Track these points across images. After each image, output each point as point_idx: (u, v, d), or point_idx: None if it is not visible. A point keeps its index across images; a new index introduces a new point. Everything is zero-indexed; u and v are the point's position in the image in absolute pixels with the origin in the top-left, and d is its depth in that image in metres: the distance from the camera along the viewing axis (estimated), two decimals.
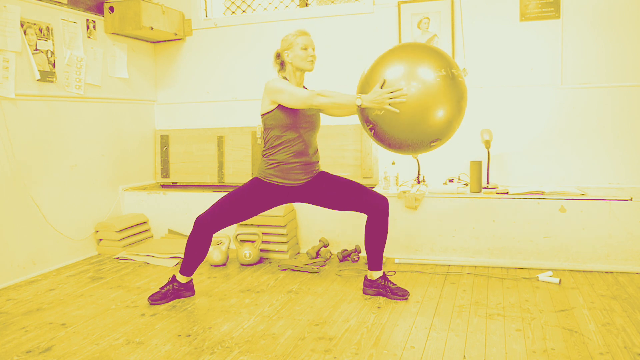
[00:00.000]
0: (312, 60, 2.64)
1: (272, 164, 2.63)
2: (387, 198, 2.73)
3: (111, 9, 3.84)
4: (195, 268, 2.75)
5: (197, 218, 2.64)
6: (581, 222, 3.08)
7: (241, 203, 2.66)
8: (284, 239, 3.52)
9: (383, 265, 3.23)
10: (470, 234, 3.27)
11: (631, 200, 3.02)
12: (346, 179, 2.75)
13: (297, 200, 2.74)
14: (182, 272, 2.74)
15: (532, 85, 3.61)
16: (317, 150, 2.76)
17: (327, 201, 2.72)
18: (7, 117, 3.13)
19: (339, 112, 2.75)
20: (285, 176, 2.64)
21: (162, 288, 2.76)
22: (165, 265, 3.44)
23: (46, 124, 3.41)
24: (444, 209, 3.31)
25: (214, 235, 3.47)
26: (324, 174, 2.75)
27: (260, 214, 3.46)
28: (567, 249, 3.11)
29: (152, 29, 3.91)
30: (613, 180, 3.51)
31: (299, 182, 2.67)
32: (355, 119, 3.97)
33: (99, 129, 3.85)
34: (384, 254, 3.38)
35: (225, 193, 2.85)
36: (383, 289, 2.71)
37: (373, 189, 3.59)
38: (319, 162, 2.78)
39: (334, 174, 3.95)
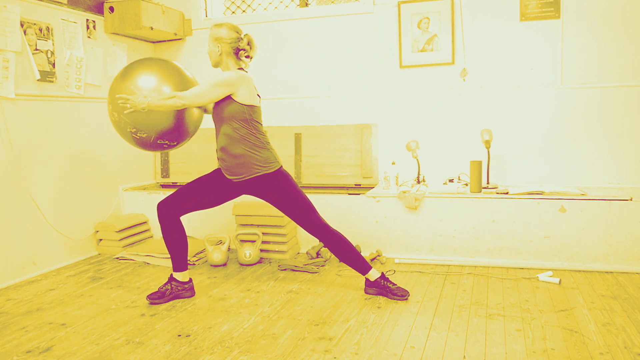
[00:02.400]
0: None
1: None
2: (322, 224, 2.70)
3: (111, 9, 3.84)
4: (185, 260, 2.76)
5: (158, 203, 2.72)
6: (581, 222, 3.08)
7: (199, 187, 2.74)
8: (284, 239, 3.51)
9: (382, 266, 3.24)
10: (470, 234, 3.27)
11: (631, 200, 3.02)
12: (294, 195, 2.68)
13: (254, 195, 2.73)
14: (174, 268, 2.76)
15: (532, 85, 3.61)
16: (224, 148, 2.64)
17: (275, 205, 2.73)
18: (7, 117, 3.13)
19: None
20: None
21: (161, 287, 2.76)
22: (165, 265, 3.44)
23: (46, 124, 3.41)
24: (444, 209, 3.31)
25: (214, 236, 3.50)
26: (278, 179, 2.67)
27: (261, 214, 3.49)
28: (567, 249, 3.11)
29: (152, 29, 3.91)
30: (613, 180, 3.51)
31: (229, 177, 2.68)
32: (356, 119, 3.98)
33: (99, 129, 3.85)
34: (384, 254, 3.41)
35: None
36: (383, 288, 2.71)
37: (372, 189, 3.62)
38: (232, 162, 2.64)
39: (334, 174, 3.99)
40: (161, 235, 4.02)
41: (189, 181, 2.83)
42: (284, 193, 2.68)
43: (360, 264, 2.73)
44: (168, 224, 2.70)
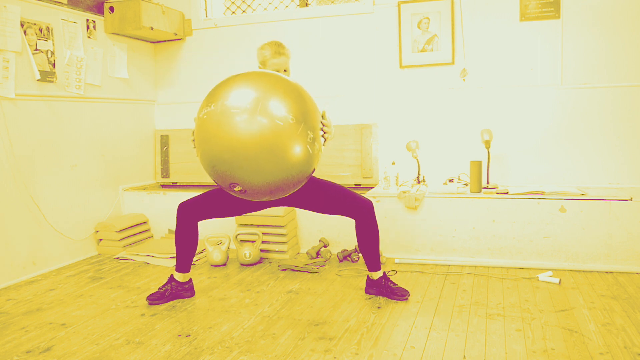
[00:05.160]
0: None
1: None
2: (372, 200, 2.69)
3: (111, 9, 3.84)
4: (189, 263, 2.74)
5: (180, 204, 2.68)
6: (581, 222, 3.08)
7: (225, 196, 2.66)
8: (284, 239, 3.51)
9: (382, 266, 3.24)
10: (470, 234, 3.27)
11: (631, 200, 3.02)
12: (330, 183, 2.69)
13: (282, 204, 2.68)
14: (177, 269, 2.75)
15: (532, 85, 3.61)
16: None
17: (313, 207, 2.68)
18: (7, 117, 3.13)
19: None
20: None
21: (160, 288, 2.76)
22: (165, 265, 3.44)
23: (46, 124, 3.41)
24: (444, 209, 3.31)
25: (214, 236, 3.50)
26: (309, 180, 2.66)
27: (261, 214, 3.49)
28: (567, 249, 3.11)
29: (152, 29, 3.91)
30: (613, 180, 3.51)
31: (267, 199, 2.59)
32: (356, 119, 3.98)
33: (99, 129, 3.85)
34: (384, 254, 3.41)
35: None
36: (384, 288, 2.71)
37: (372, 189, 3.62)
38: None
39: (334, 174, 3.99)
40: (162, 235, 4.03)
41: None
42: (323, 187, 2.65)
43: (375, 260, 2.71)
44: (185, 226, 2.66)
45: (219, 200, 2.67)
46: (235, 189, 2.25)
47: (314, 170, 2.38)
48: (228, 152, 2.15)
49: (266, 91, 2.18)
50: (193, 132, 2.39)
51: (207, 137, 2.19)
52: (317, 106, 2.36)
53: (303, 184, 2.40)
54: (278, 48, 2.66)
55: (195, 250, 2.75)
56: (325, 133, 2.38)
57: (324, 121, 2.37)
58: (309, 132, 2.21)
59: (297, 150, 2.18)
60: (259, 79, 2.25)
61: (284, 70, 2.66)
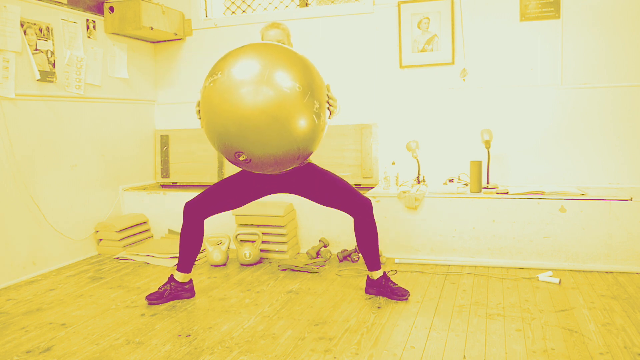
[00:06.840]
0: None
1: None
2: (371, 199, 2.69)
3: (111, 9, 3.84)
4: (192, 263, 2.74)
5: (185, 203, 2.67)
6: (581, 222, 3.08)
7: (228, 187, 2.68)
8: (284, 239, 3.51)
9: (382, 265, 3.24)
10: (470, 234, 3.27)
11: (631, 200, 3.02)
12: (334, 176, 2.69)
13: (285, 191, 2.70)
14: (179, 268, 2.74)
15: (532, 85, 3.61)
16: None
17: (312, 195, 2.69)
18: (7, 117, 3.13)
19: None
20: None
21: (160, 288, 2.76)
22: (165, 265, 3.44)
23: (46, 124, 3.41)
24: (444, 209, 3.31)
25: (214, 236, 3.50)
26: (312, 167, 2.69)
27: (261, 214, 3.49)
28: (567, 249, 3.11)
29: (152, 29, 3.91)
30: (613, 180, 3.51)
31: (272, 172, 2.53)
32: (356, 119, 3.98)
33: (99, 129, 3.85)
34: (384, 254, 3.41)
35: None
36: (384, 288, 2.71)
37: (372, 189, 3.62)
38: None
39: (334, 173, 3.98)
40: (162, 235, 4.03)
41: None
42: (325, 176, 2.66)
43: (375, 259, 2.71)
44: (192, 225, 2.67)
45: (223, 193, 2.69)
46: (240, 157, 2.26)
47: (316, 148, 2.40)
48: (234, 123, 2.15)
49: (273, 60, 2.18)
50: (198, 102, 2.39)
51: (213, 107, 2.19)
52: (323, 79, 2.37)
53: (307, 159, 2.41)
54: (274, 22, 2.72)
55: (199, 251, 2.75)
56: (330, 106, 2.40)
57: (329, 94, 2.39)
58: (315, 102, 2.21)
59: (303, 120, 2.18)
60: (265, 49, 2.26)
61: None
